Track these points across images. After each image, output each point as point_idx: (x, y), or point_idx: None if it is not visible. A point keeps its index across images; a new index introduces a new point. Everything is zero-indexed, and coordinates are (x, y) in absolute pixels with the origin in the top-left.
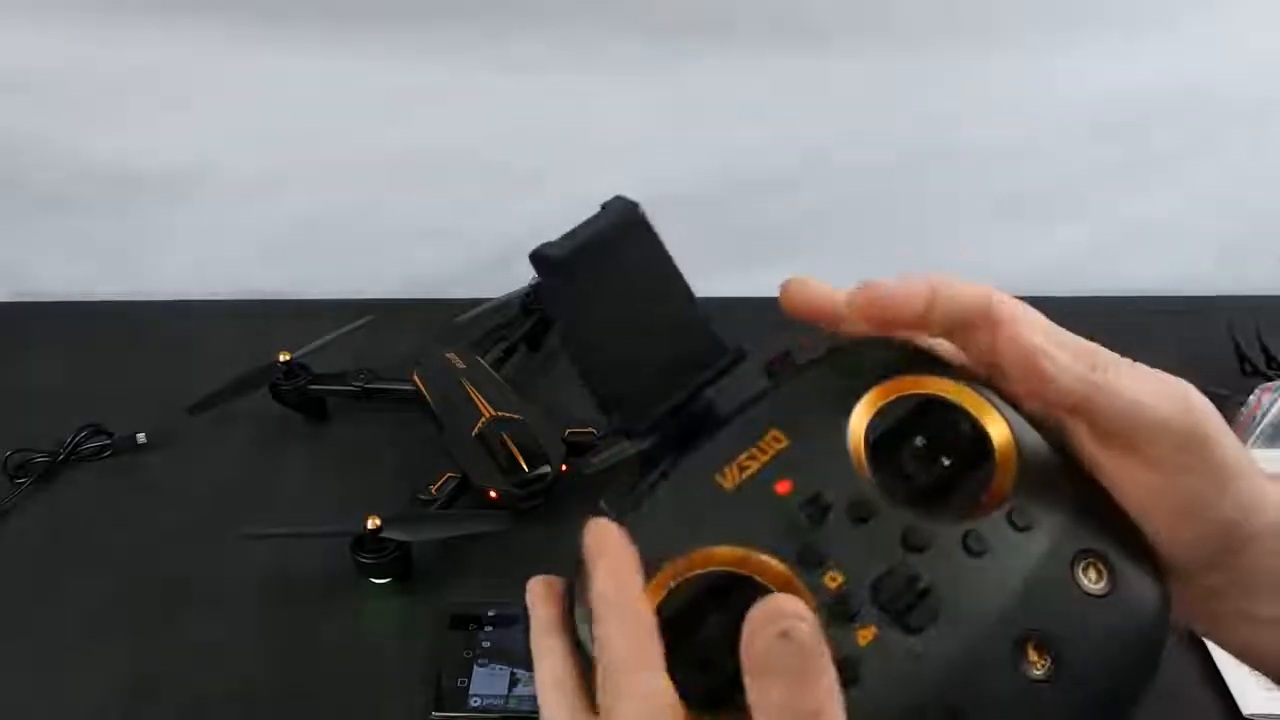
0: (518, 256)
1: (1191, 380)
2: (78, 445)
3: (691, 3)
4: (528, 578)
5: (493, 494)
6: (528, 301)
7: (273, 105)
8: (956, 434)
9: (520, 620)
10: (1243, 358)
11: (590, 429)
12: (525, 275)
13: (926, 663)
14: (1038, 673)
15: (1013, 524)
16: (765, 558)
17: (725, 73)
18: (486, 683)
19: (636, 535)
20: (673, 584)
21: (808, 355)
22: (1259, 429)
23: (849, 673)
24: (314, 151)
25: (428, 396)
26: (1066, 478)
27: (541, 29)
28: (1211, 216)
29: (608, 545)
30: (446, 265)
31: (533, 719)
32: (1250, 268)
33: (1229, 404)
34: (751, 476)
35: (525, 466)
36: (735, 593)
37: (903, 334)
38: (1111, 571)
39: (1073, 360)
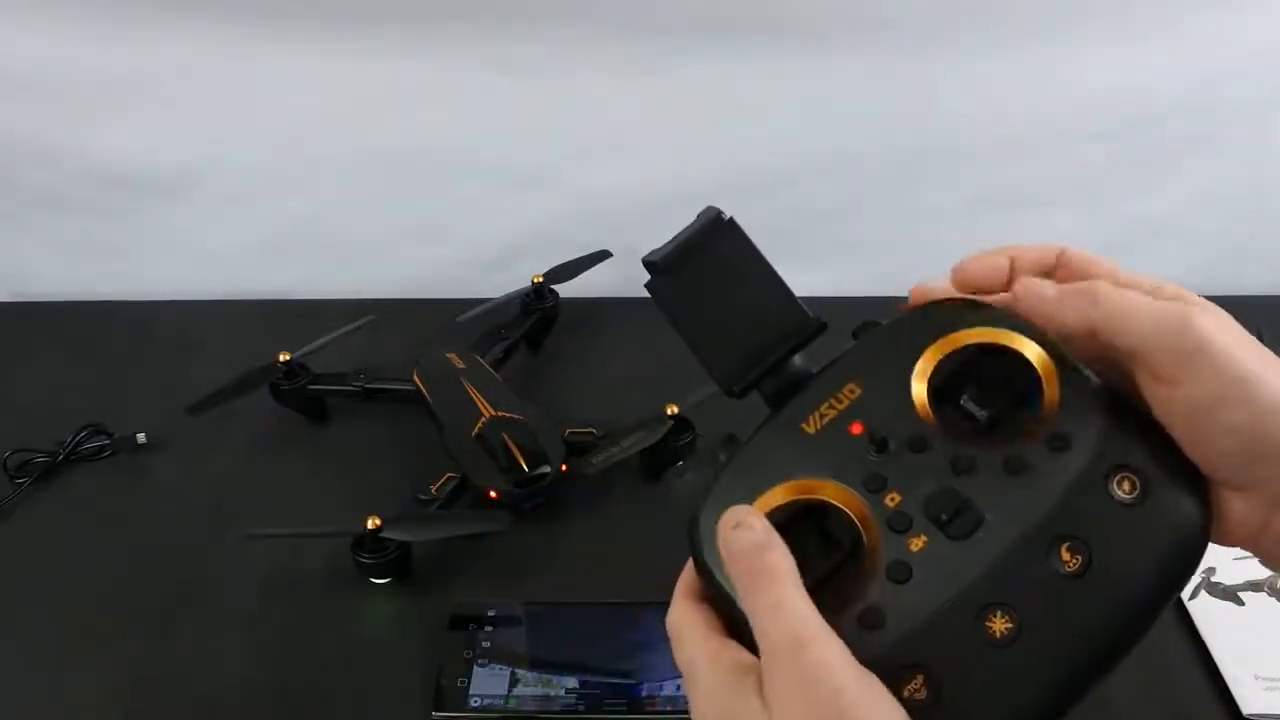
0: (517, 256)
1: None
2: (78, 445)
3: (691, 2)
4: (528, 578)
5: (493, 494)
6: (528, 301)
7: (273, 105)
8: (1009, 374)
9: (522, 621)
10: None
11: (590, 429)
12: (525, 275)
13: (967, 563)
14: (1069, 569)
15: (1051, 446)
16: (837, 485)
17: (725, 73)
18: (486, 683)
19: (739, 474)
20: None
21: (887, 320)
22: None
23: (902, 573)
24: (314, 151)
25: (428, 396)
26: (1106, 405)
27: (541, 29)
28: (1212, 216)
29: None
30: (446, 265)
31: (533, 719)
32: (1250, 267)
33: None
34: (830, 421)
35: (525, 466)
36: (816, 516)
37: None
38: (1144, 483)
39: (1075, 295)
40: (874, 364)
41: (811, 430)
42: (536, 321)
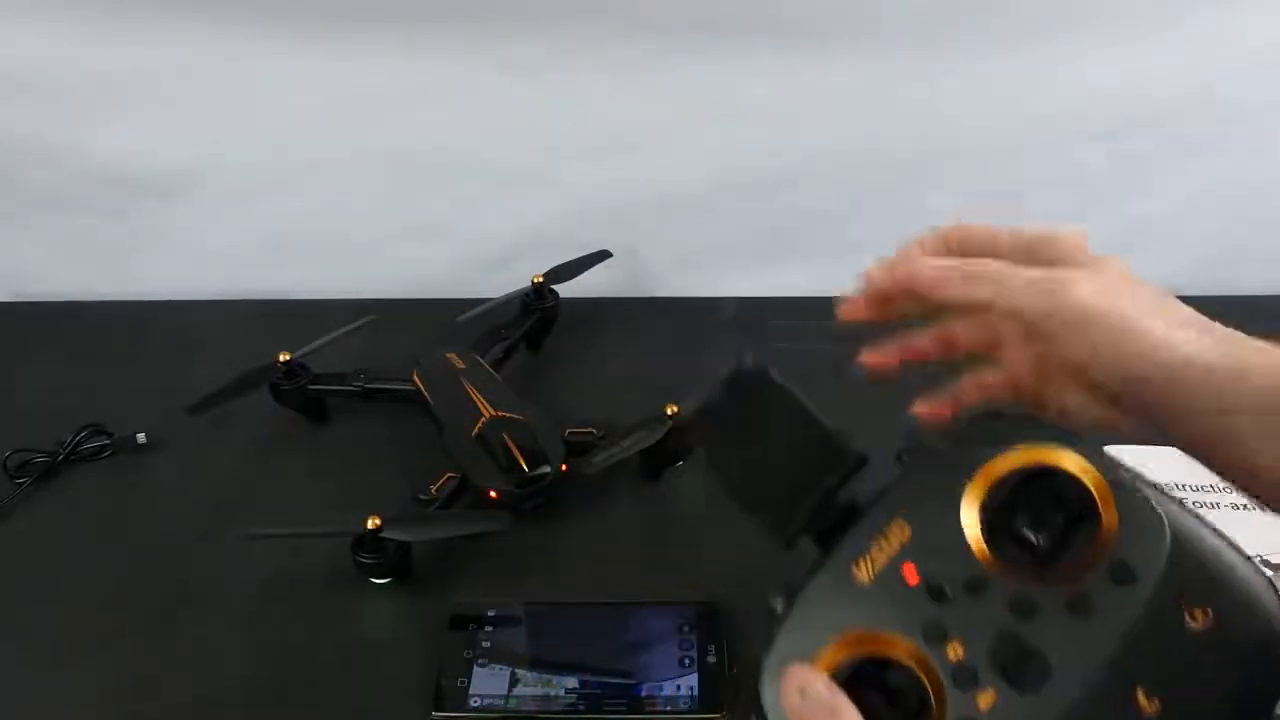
0: (518, 256)
1: None
2: (78, 445)
3: (691, 2)
4: (528, 578)
5: (493, 494)
6: (528, 301)
7: (273, 105)
8: (1062, 499)
9: (522, 621)
10: None
11: (590, 429)
12: (525, 275)
13: (1040, 719)
14: (1149, 714)
15: (1115, 579)
16: (897, 638)
17: (725, 73)
18: (486, 683)
19: (796, 629)
20: (826, 671)
21: (930, 442)
22: None
23: None
24: (314, 151)
25: (428, 396)
26: (1164, 527)
27: (541, 29)
28: (1212, 216)
29: None
30: (446, 265)
31: (533, 719)
32: (1250, 267)
33: None
34: (883, 568)
35: (525, 466)
36: (878, 670)
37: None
38: (1215, 610)
39: (971, 277)
40: (921, 499)
41: (865, 578)
42: (536, 321)
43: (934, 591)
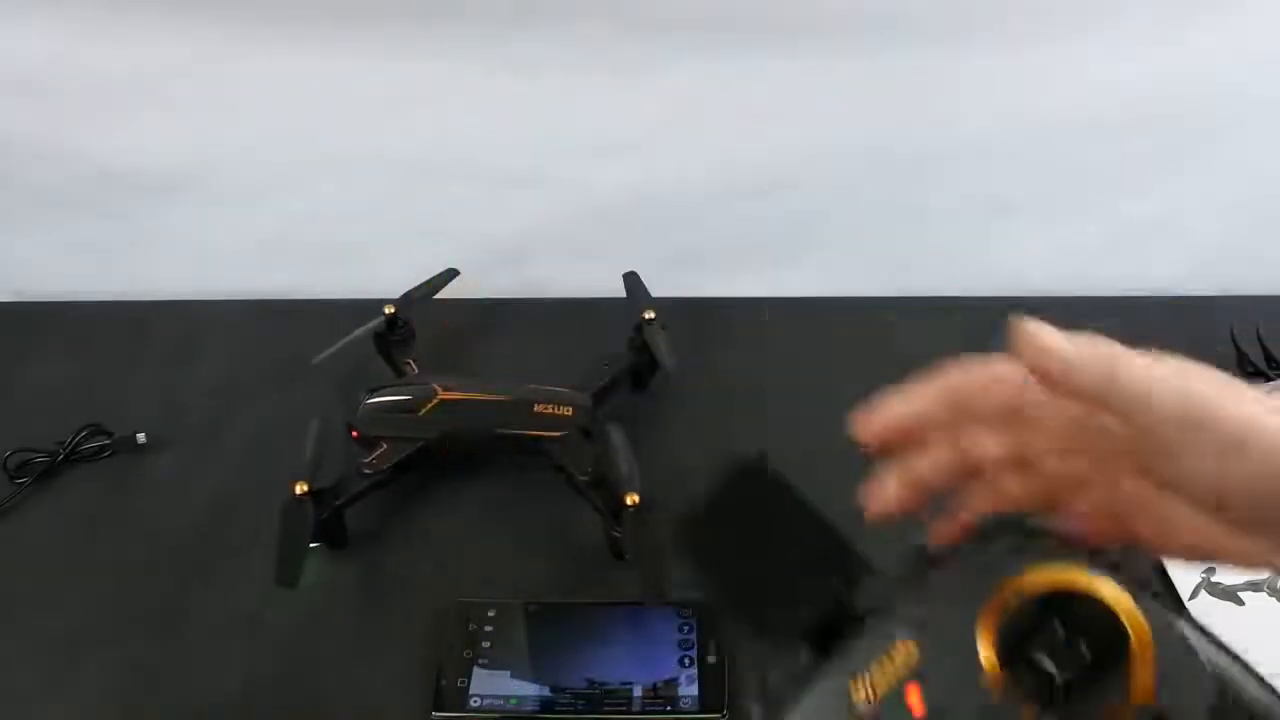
0: (518, 257)
1: None
2: (78, 445)
3: (691, 2)
4: (527, 578)
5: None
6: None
7: (273, 105)
8: (1091, 628)
9: (522, 621)
10: (1243, 358)
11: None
12: (525, 275)
13: None
14: None
15: None
16: None
17: (725, 73)
18: (486, 683)
19: None
20: None
21: (944, 552)
22: None
23: None
24: (314, 151)
25: None
26: (1210, 681)
27: (541, 29)
28: (1212, 216)
29: None
30: (446, 265)
31: (533, 719)
32: (1250, 268)
33: None
34: (885, 692)
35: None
36: None
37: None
38: None
39: (1094, 363)
40: (929, 615)
41: (865, 700)
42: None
43: None
